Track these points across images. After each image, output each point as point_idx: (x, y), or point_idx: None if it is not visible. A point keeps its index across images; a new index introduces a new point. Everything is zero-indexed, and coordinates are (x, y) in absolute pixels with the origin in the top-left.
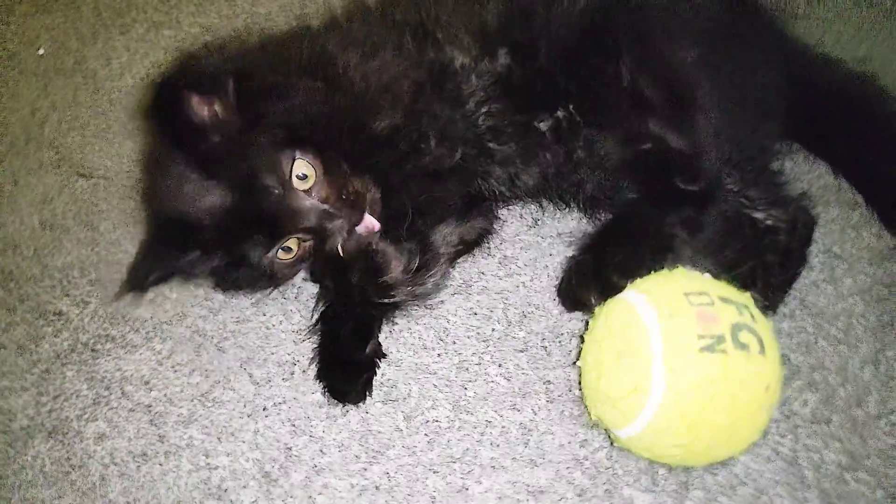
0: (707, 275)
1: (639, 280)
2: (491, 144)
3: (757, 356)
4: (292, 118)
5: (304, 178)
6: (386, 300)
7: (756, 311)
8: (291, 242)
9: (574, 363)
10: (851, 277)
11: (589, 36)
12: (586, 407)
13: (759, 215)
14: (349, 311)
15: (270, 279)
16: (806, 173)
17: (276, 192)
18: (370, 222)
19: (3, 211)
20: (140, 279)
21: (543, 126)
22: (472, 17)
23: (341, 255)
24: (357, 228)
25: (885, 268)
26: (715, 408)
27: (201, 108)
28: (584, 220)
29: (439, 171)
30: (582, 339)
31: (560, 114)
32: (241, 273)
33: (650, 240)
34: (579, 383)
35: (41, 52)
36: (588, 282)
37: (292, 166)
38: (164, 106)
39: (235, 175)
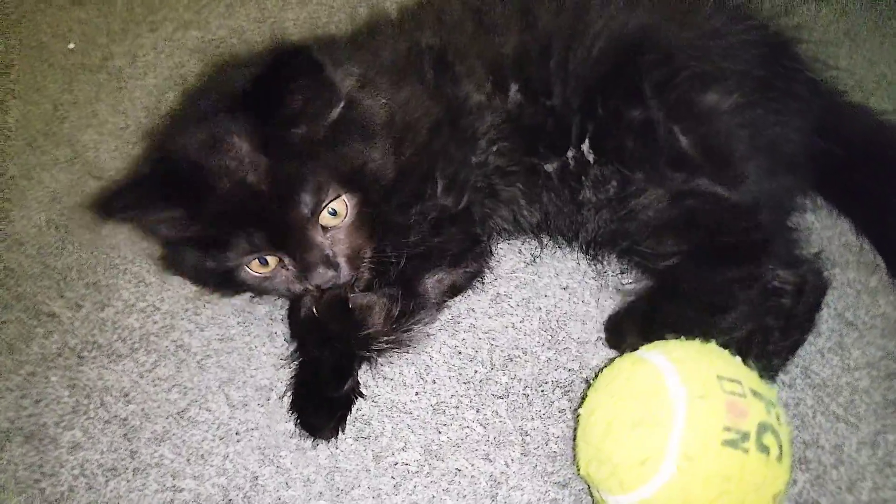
0: (738, 358)
1: (671, 345)
2: (498, 185)
3: (775, 462)
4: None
5: (333, 215)
6: (368, 352)
7: (781, 411)
8: (273, 259)
9: (575, 410)
10: (861, 349)
11: (611, 79)
12: (577, 457)
13: (767, 275)
14: (329, 347)
15: (225, 282)
16: (828, 228)
17: (305, 211)
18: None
19: (14, 206)
20: (111, 204)
21: (549, 167)
22: (488, 46)
23: (316, 314)
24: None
25: None
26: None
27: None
28: (584, 260)
29: (441, 219)
30: (588, 385)
31: (570, 154)
32: (198, 260)
33: (708, 297)
34: (575, 431)
35: (71, 46)
36: (634, 325)
37: (331, 201)
38: (297, 65)
39: (284, 171)
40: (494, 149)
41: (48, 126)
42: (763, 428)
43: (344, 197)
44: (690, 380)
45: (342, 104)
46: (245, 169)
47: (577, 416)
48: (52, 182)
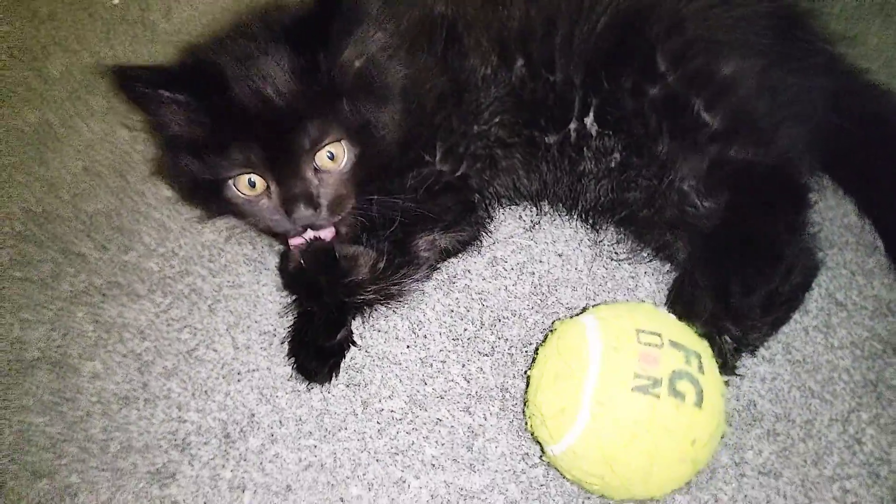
0: (672, 316)
1: (604, 307)
2: (498, 154)
3: (691, 408)
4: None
5: (331, 159)
6: (355, 299)
7: (709, 363)
8: (261, 183)
9: (525, 373)
10: (847, 329)
11: (620, 53)
12: (524, 416)
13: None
14: (320, 298)
15: (212, 196)
16: (830, 209)
17: (305, 141)
18: (326, 234)
19: (52, 152)
20: (129, 73)
21: (550, 139)
22: (495, 19)
23: (304, 265)
24: (312, 233)
25: (888, 323)
26: (634, 449)
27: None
28: (581, 229)
29: (437, 185)
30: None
31: (572, 126)
32: (193, 167)
33: (761, 251)
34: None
35: (115, 1)
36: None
37: (332, 142)
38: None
39: (301, 97)
40: (496, 120)
41: (87, 77)
42: (677, 375)
43: (344, 144)
44: (608, 334)
45: (365, 57)
46: (266, 83)
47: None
48: (88, 132)
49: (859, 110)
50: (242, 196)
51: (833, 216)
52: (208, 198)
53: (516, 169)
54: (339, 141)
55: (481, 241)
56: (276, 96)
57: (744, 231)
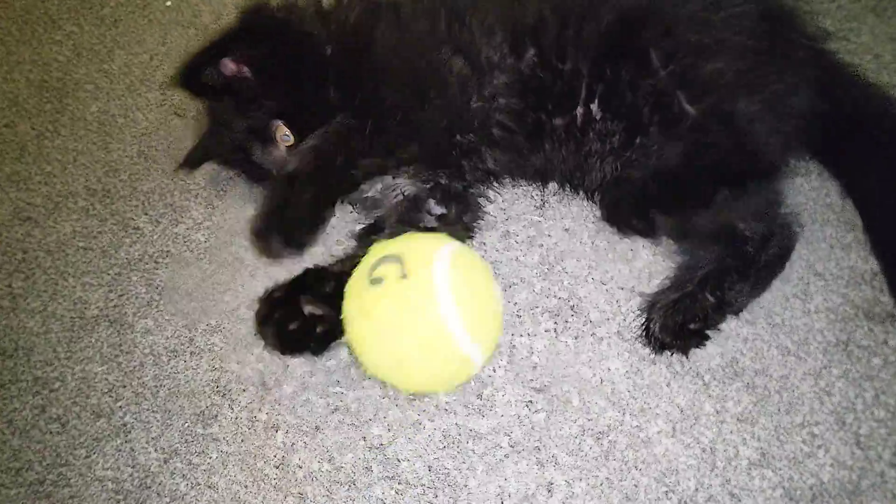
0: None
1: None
2: (496, 133)
3: (395, 283)
4: (292, 93)
5: (287, 139)
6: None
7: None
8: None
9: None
10: (824, 296)
11: (620, 50)
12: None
13: (740, 224)
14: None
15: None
16: (814, 190)
17: (260, 141)
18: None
19: (113, 139)
20: (191, 161)
21: (559, 122)
22: (509, 10)
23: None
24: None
25: (861, 291)
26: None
27: (218, 70)
28: (587, 207)
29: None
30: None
31: (579, 111)
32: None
33: (691, 188)
34: None
35: (168, 3)
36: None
37: (276, 129)
38: (185, 79)
39: (240, 123)
40: (502, 102)
41: (144, 73)
42: (373, 267)
43: (281, 124)
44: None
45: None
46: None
47: None
48: (144, 120)
49: (844, 101)
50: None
51: (817, 196)
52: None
53: (519, 147)
54: (276, 127)
55: (478, 218)
56: (233, 143)
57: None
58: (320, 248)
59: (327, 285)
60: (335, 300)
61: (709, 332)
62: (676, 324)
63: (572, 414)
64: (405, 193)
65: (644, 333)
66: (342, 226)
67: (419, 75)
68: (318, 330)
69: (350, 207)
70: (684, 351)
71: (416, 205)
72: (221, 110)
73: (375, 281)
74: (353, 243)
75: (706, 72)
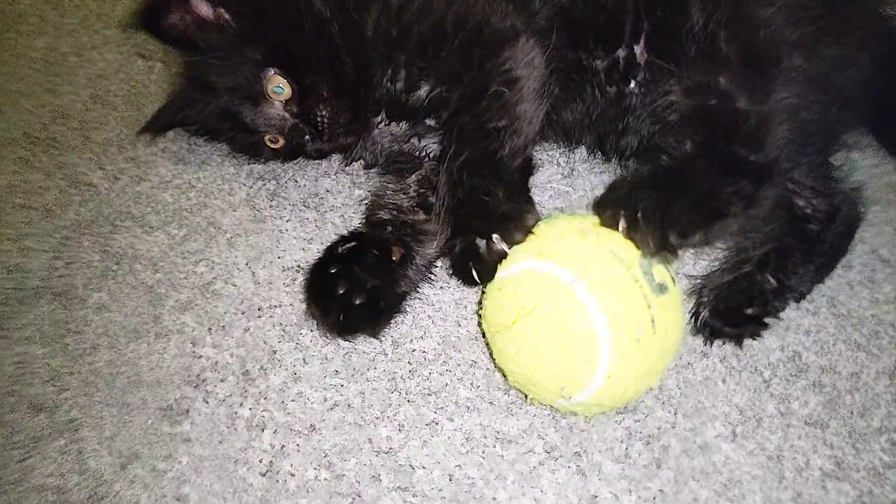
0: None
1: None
2: None
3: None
4: (283, 36)
5: (280, 92)
6: None
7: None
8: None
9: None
10: (892, 284)
11: None
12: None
13: (799, 201)
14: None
15: (264, 154)
16: (874, 167)
17: (251, 100)
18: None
19: (63, 81)
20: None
21: (600, 64)
22: None
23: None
24: None
25: None
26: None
27: (190, 13)
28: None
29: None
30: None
31: (621, 53)
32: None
33: (703, 203)
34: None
35: None
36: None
37: (268, 81)
38: (147, 20)
39: (224, 81)
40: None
41: (101, 6)
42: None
43: (274, 73)
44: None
45: None
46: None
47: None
48: (101, 60)
49: None
50: (275, 147)
51: (877, 173)
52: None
53: (554, 95)
54: (267, 76)
55: None
56: (216, 105)
57: (689, 182)
58: (313, 213)
59: (370, 255)
60: (387, 270)
61: (767, 321)
62: (731, 308)
63: (616, 414)
64: (430, 152)
65: (693, 320)
66: (332, 195)
67: (445, 5)
68: (382, 304)
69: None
70: (739, 340)
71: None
72: (197, 66)
73: (662, 288)
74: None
75: (752, 13)
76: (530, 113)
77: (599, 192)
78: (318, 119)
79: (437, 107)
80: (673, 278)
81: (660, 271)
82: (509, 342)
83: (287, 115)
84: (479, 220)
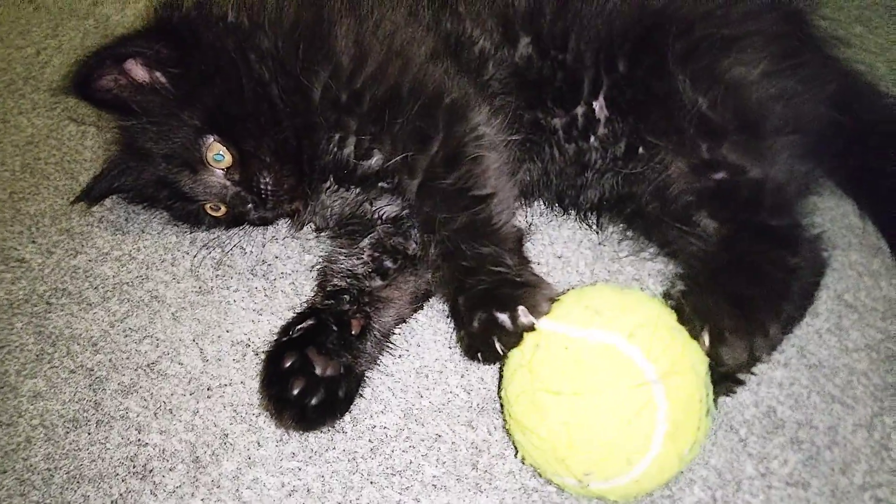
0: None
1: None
2: None
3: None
4: (222, 100)
5: (221, 159)
6: None
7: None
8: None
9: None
10: (860, 331)
11: (632, 41)
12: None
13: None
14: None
15: (205, 223)
16: (831, 209)
17: (188, 169)
18: None
19: None
20: (91, 194)
21: (558, 122)
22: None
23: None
24: None
25: None
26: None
27: (125, 76)
28: (580, 230)
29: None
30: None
31: (580, 110)
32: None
33: (768, 292)
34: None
35: None
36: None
37: (207, 148)
38: (78, 84)
39: (160, 147)
40: (497, 102)
41: (29, 71)
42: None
43: (213, 141)
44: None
45: None
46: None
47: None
48: (30, 126)
49: (857, 112)
50: (216, 215)
51: (834, 216)
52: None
53: (514, 157)
54: (207, 144)
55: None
56: (153, 174)
57: (744, 271)
58: (261, 282)
59: (328, 332)
60: (347, 346)
61: (741, 377)
62: None
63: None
64: (382, 215)
65: None
66: (281, 261)
67: (400, 72)
68: (340, 394)
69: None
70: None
71: (396, 228)
72: (132, 132)
73: (709, 412)
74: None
75: (728, 72)
76: (509, 178)
77: (559, 246)
78: (262, 186)
79: (395, 172)
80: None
81: (710, 395)
82: (555, 409)
83: (228, 182)
84: (500, 292)
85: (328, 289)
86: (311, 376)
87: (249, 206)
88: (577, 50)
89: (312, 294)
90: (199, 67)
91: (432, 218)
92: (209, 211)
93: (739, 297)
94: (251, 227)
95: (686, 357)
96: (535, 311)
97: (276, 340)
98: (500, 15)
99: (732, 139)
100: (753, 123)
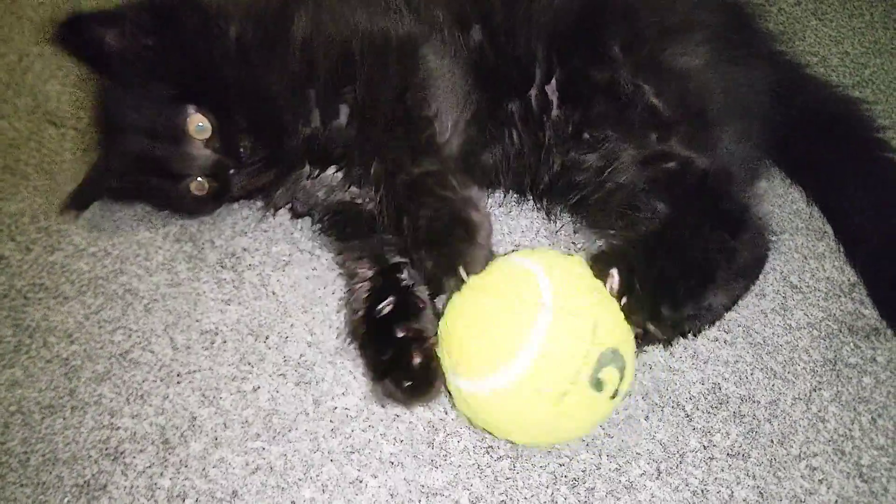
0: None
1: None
2: None
3: (606, 400)
4: (200, 72)
5: (201, 129)
6: None
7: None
8: (201, 178)
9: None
10: (803, 310)
11: (577, 32)
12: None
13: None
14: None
15: (189, 206)
16: (779, 196)
17: (172, 141)
18: None
19: None
20: (79, 200)
21: (512, 106)
22: None
23: None
24: None
25: (841, 303)
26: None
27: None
28: (538, 219)
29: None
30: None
31: (533, 92)
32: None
33: (694, 268)
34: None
35: None
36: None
37: (188, 119)
38: (70, 30)
39: (141, 120)
40: None
41: (11, 76)
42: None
43: (193, 112)
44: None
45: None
46: (123, 136)
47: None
48: (10, 130)
49: (802, 102)
50: (201, 195)
51: (783, 202)
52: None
53: (475, 140)
54: (188, 114)
55: None
56: (134, 147)
57: (679, 247)
58: (230, 273)
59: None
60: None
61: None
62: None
63: (541, 459)
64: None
65: None
66: (249, 253)
67: (350, 32)
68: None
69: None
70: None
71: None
72: (113, 103)
73: (598, 385)
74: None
75: (672, 61)
76: (456, 100)
77: (517, 235)
78: (240, 150)
79: (362, 138)
80: (615, 394)
81: (610, 375)
82: (459, 301)
83: (209, 151)
84: (444, 237)
85: (389, 263)
86: (404, 344)
87: (231, 171)
88: (527, 42)
89: (362, 269)
90: (176, 42)
91: (379, 145)
92: (194, 191)
93: (661, 265)
94: (223, 221)
95: (591, 315)
96: (470, 269)
97: (356, 323)
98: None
99: (680, 129)
100: (698, 112)
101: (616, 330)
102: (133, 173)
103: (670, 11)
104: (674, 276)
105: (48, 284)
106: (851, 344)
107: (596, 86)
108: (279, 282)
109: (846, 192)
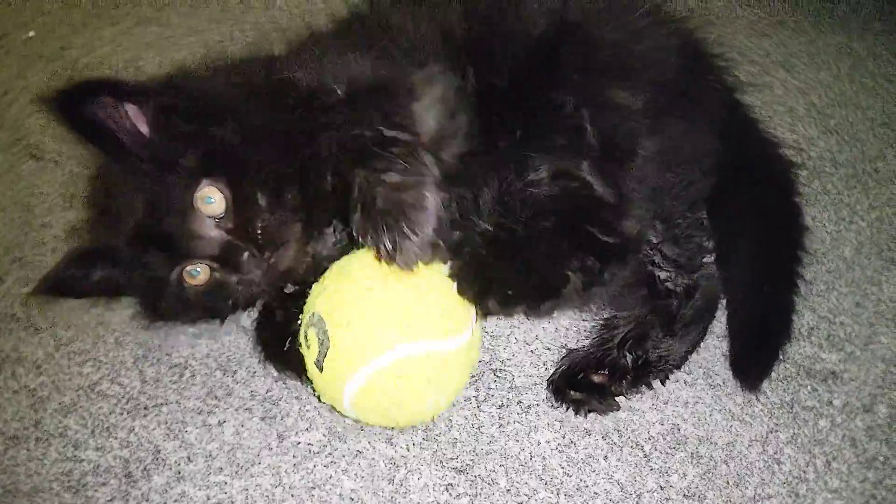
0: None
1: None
2: None
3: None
4: (212, 145)
5: (211, 203)
6: None
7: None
8: (200, 267)
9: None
10: None
11: (540, 59)
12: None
13: (662, 274)
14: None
15: (187, 306)
16: None
17: (178, 215)
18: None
19: None
20: (48, 287)
21: (502, 144)
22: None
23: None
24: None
25: (800, 347)
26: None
27: (116, 115)
28: None
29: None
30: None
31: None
32: (162, 298)
33: (538, 279)
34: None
35: (31, 34)
36: (469, 291)
37: (197, 192)
38: (73, 99)
39: (147, 192)
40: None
41: None
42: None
43: (207, 184)
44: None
45: None
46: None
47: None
48: None
49: (743, 153)
50: (195, 286)
51: None
52: (182, 315)
53: (477, 181)
54: (197, 187)
55: None
56: (134, 217)
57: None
58: None
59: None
60: None
61: (617, 399)
62: (579, 372)
63: (500, 497)
64: None
65: (547, 385)
66: None
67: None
68: None
69: None
70: (579, 407)
71: None
72: (112, 173)
73: (306, 341)
74: None
75: (613, 95)
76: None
77: None
78: (258, 231)
79: None
80: (321, 368)
81: (312, 337)
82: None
83: (220, 231)
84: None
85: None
86: None
87: (245, 255)
88: (508, 74)
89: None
90: (198, 115)
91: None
92: (186, 278)
93: (506, 263)
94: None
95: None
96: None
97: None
98: (446, 47)
99: (594, 156)
100: (618, 151)
101: (329, 303)
102: (126, 256)
103: (624, 58)
104: (510, 278)
105: (20, 315)
106: (809, 387)
107: (548, 105)
108: (249, 317)
109: (738, 237)
